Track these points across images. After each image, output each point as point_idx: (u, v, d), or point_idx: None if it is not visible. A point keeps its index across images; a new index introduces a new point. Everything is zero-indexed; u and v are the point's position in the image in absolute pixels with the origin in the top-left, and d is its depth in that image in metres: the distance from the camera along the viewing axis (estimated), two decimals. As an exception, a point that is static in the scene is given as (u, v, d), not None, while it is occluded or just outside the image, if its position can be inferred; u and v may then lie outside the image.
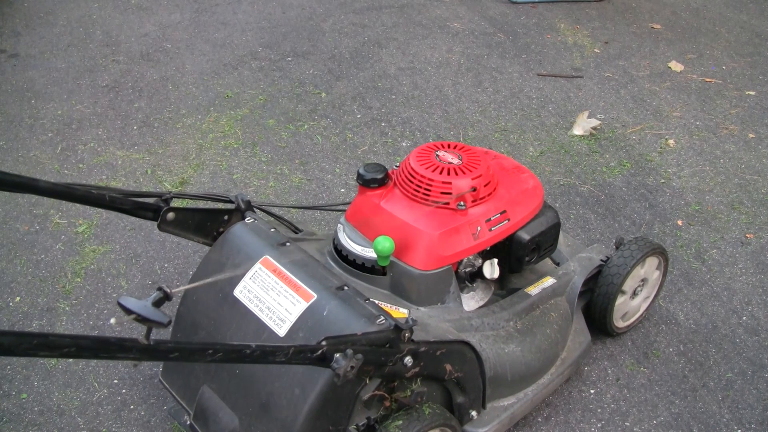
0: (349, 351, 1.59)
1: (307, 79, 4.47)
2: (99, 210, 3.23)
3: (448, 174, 2.13)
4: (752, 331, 2.75)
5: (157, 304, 1.32)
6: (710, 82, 4.56)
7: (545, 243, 2.36)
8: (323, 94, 4.30)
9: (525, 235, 2.27)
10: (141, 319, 1.27)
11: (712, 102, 4.34)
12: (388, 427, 1.86)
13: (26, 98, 4.21)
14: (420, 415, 1.89)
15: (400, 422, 1.86)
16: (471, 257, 2.25)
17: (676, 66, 4.73)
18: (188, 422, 2.03)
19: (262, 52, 4.79)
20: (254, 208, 2.25)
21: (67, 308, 2.79)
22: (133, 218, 2.71)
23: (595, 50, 4.93)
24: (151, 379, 2.49)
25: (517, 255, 2.30)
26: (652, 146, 3.89)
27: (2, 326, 2.68)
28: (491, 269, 2.26)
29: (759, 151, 3.87)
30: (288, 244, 2.09)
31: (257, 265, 2.00)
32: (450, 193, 2.11)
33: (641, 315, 2.74)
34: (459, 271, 2.26)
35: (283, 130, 3.95)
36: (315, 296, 1.88)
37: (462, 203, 2.11)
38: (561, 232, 2.52)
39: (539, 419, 2.39)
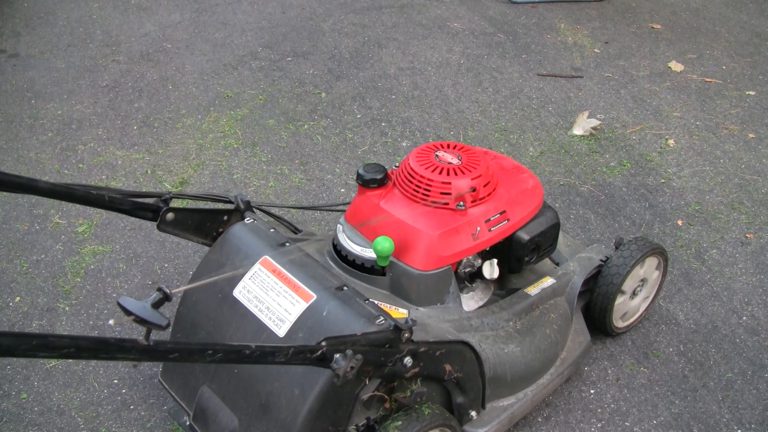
0: (349, 351, 1.59)
1: (307, 79, 4.47)
2: (99, 210, 3.23)
3: (448, 174, 2.13)
4: (752, 331, 2.75)
5: (157, 305, 1.32)
6: (710, 82, 4.56)
7: (545, 243, 2.36)
8: (323, 94, 4.30)
9: (524, 236, 2.27)
10: (140, 320, 1.27)
11: (712, 102, 4.34)
12: (388, 428, 1.86)
13: (26, 98, 4.21)
14: (419, 416, 1.90)
15: (400, 423, 1.86)
16: (470, 257, 2.25)
17: (676, 66, 4.73)
18: (188, 423, 2.03)
19: (262, 52, 4.79)
20: (254, 209, 2.26)
21: (67, 308, 2.79)
22: (132, 218, 2.71)
23: (595, 50, 4.93)
24: (151, 379, 2.49)
25: (516, 255, 2.30)
26: (652, 146, 3.89)
27: (2, 326, 2.68)
28: (491, 269, 2.26)
29: (759, 151, 3.87)
30: (287, 244, 2.09)
31: (257, 266, 2.00)
32: (449, 194, 2.11)
33: (641, 315, 2.74)
34: (458, 271, 2.26)
35: (283, 130, 3.95)
36: (314, 296, 1.88)
37: (461, 203, 2.11)
38: (561, 232, 2.52)
39: (539, 419, 2.39)
